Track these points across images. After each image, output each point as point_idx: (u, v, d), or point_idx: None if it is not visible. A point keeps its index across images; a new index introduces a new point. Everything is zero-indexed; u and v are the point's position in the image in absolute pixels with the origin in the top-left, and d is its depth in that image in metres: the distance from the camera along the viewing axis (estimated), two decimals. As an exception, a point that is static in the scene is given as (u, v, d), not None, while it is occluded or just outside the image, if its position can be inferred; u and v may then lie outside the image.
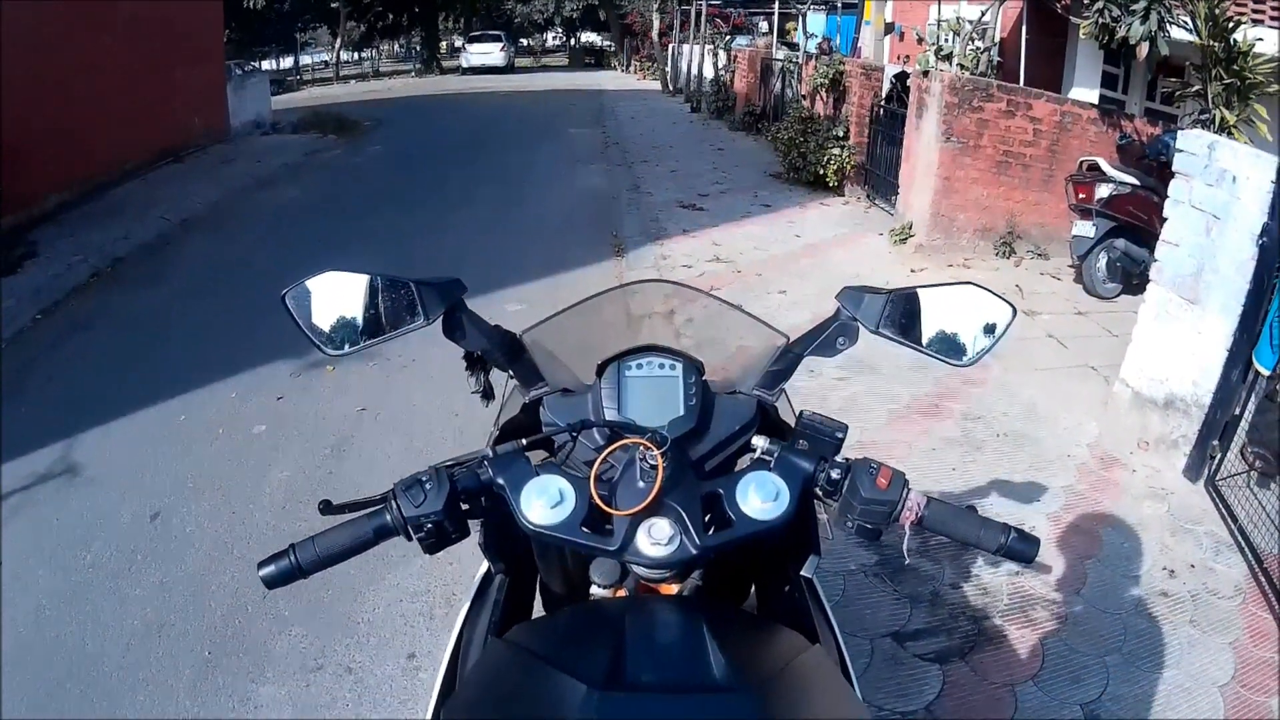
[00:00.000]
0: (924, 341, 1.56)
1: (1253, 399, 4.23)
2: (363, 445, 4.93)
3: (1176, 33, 7.38)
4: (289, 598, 3.57)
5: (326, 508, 1.32)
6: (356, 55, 58.92)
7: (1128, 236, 7.25)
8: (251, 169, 14.30)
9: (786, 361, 1.63)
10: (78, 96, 11.62)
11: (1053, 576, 3.66)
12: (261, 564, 1.31)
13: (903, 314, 1.56)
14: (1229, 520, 4.11)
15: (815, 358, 1.63)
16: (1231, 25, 6.80)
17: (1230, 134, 6.57)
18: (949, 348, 1.56)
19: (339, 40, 47.27)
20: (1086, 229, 7.33)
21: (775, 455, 1.39)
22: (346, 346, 1.53)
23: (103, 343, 6.87)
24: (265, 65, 43.66)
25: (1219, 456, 4.34)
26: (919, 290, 1.56)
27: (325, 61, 52.60)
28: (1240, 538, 3.97)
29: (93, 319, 7.43)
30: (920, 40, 9.63)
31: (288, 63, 50.45)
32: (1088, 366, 5.97)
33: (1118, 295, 7.42)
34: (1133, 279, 7.20)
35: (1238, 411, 4.28)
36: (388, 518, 1.30)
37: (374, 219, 10.48)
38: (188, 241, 9.94)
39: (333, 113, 21.05)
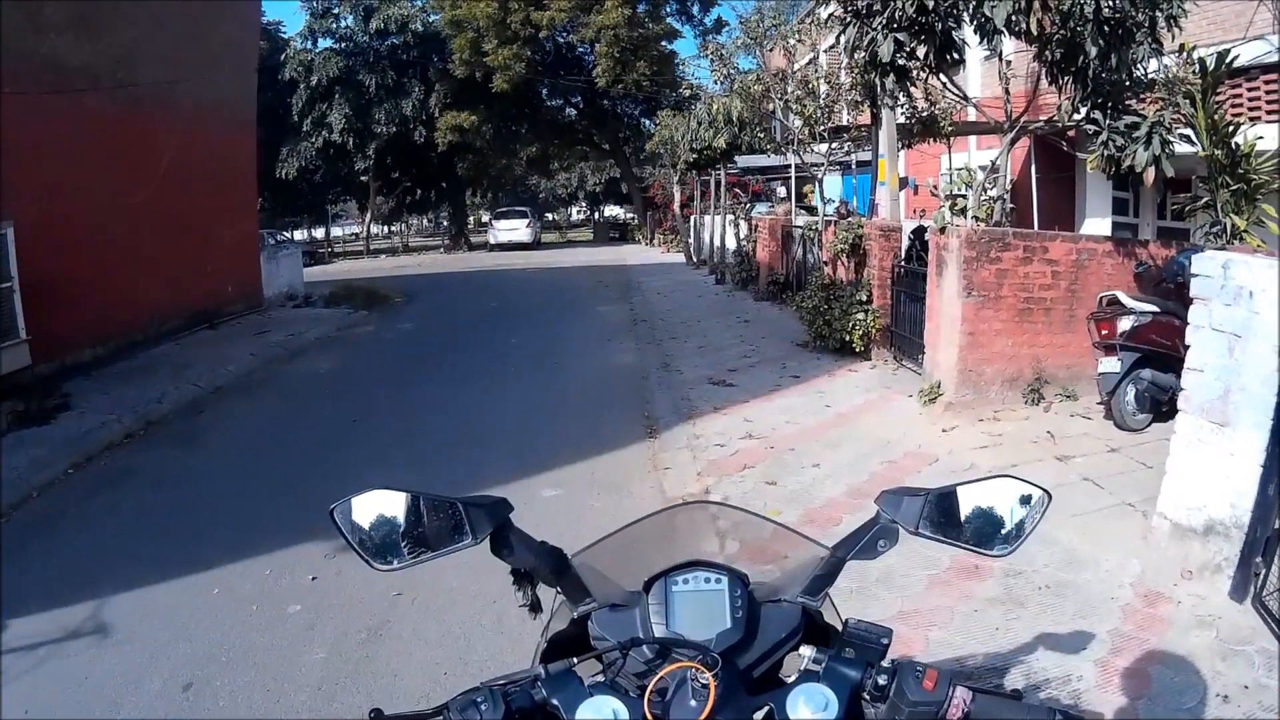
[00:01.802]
0: (962, 537, 1.59)
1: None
2: (400, 630, 4.85)
3: (1180, 147, 7.51)
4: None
5: (379, 716, 1.32)
6: (386, 228, 60.44)
7: (1154, 365, 7.26)
8: (285, 340, 14.62)
9: (829, 566, 1.65)
10: (115, 246, 12.06)
11: (1105, 725, 3.57)
12: None
13: (940, 512, 1.59)
14: (1279, 633, 4.02)
15: (858, 560, 1.64)
16: (1231, 130, 6.92)
17: (1241, 239, 6.64)
18: (986, 539, 1.59)
19: (369, 214, 48.55)
20: (1112, 364, 7.36)
21: (823, 665, 1.41)
22: (395, 561, 1.55)
23: (135, 503, 6.94)
24: (297, 235, 44.92)
25: (1263, 573, 4.26)
26: (957, 488, 1.60)
27: (355, 234, 54.00)
28: (1292, 651, 3.87)
29: (126, 478, 7.53)
30: (934, 193, 9.81)
31: (318, 234, 51.81)
32: (1125, 504, 5.90)
33: (1148, 426, 7.40)
34: (1162, 407, 7.19)
35: (1278, 525, 4.22)
36: None
37: (406, 395, 10.60)
38: (221, 409, 10.09)
39: (364, 287, 21.49)
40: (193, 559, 5.68)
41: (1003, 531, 1.59)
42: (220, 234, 16.18)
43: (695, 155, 22.11)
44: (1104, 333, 7.48)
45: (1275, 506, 4.24)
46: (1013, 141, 9.16)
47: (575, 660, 1.42)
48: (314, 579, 5.48)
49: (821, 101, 15.50)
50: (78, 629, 4.80)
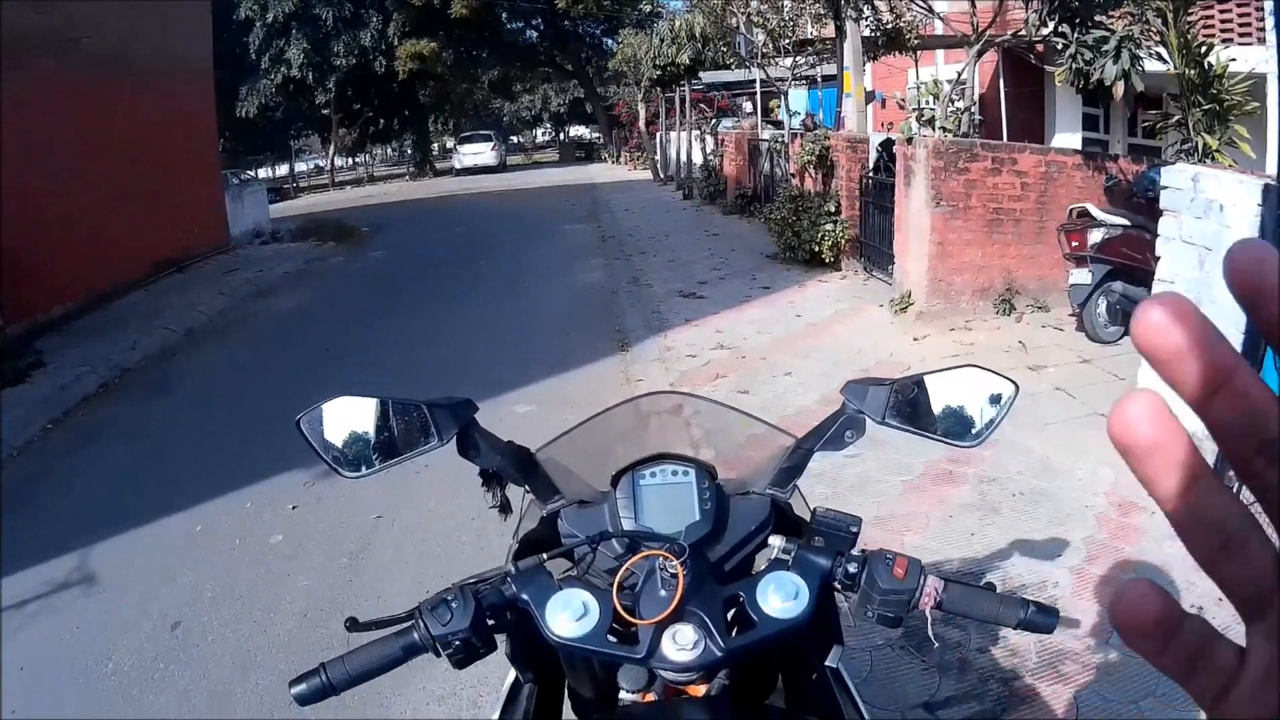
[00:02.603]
0: (930, 427, 1.59)
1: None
2: (381, 553, 4.91)
3: (1151, 64, 7.48)
4: (315, 706, 3.54)
5: (353, 625, 1.34)
6: (350, 161, 59.74)
7: (1124, 278, 7.30)
8: (253, 278, 14.48)
9: (796, 458, 1.65)
10: (78, 207, 11.88)
11: (1081, 629, 3.63)
12: (293, 682, 1.32)
13: (907, 402, 1.59)
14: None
15: (825, 452, 1.65)
16: (1204, 50, 6.90)
17: (1213, 159, 6.64)
18: (955, 430, 1.59)
19: (332, 147, 47.94)
20: (1083, 276, 7.38)
21: (793, 554, 1.41)
22: (363, 469, 1.55)
23: (114, 452, 6.92)
24: (260, 173, 44.35)
25: (1235, 487, 4.31)
26: (923, 377, 1.59)
27: (320, 168, 53.40)
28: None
29: (104, 429, 7.50)
30: (901, 105, 9.77)
31: (283, 170, 51.20)
32: (1097, 414, 5.96)
33: (1120, 338, 7.45)
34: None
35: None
36: (415, 636, 1.32)
37: (377, 324, 10.57)
38: (194, 352, 10.05)
39: (330, 220, 21.30)
40: (174, 501, 5.69)
41: (971, 421, 1.59)
42: (182, 179, 15.91)
43: (659, 72, 21.95)
44: (1074, 244, 7.49)
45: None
46: (979, 54, 9.12)
47: (545, 556, 1.44)
48: (294, 508, 5.52)
49: (785, 15, 15.34)
50: (65, 581, 4.81)
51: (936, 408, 1.58)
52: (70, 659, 4.08)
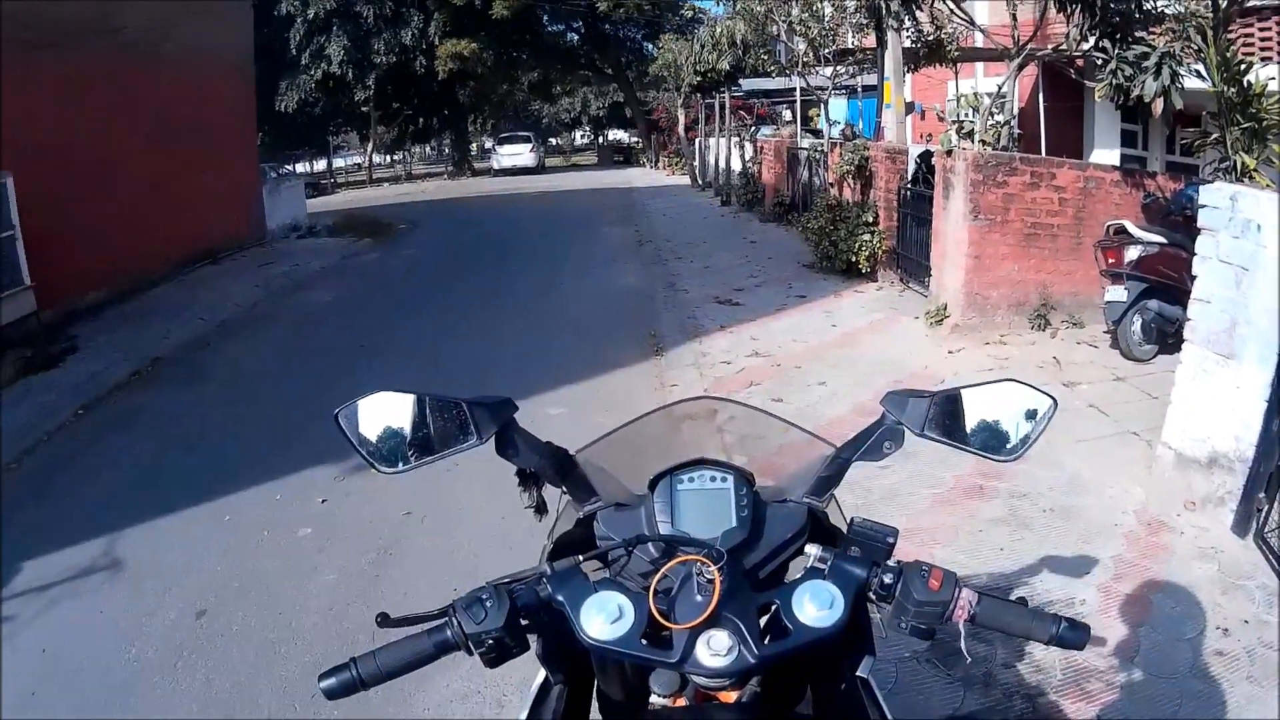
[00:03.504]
0: (967, 440, 1.58)
1: (1295, 448, 4.19)
2: (409, 549, 4.91)
3: (1190, 82, 7.43)
4: (338, 701, 3.55)
5: (385, 620, 1.34)
6: (389, 158, 60.03)
7: (1160, 296, 7.24)
8: (289, 271, 14.61)
9: (834, 468, 1.65)
10: (116, 194, 12.05)
11: (1106, 648, 3.60)
12: (323, 676, 1.32)
13: (946, 414, 1.58)
14: (1280, 571, 4.05)
15: (863, 462, 1.64)
16: (1244, 68, 6.84)
17: (1251, 178, 6.58)
18: (992, 443, 1.58)
19: (370, 144, 48.19)
20: (1119, 294, 7.33)
21: (829, 563, 1.41)
22: (400, 464, 1.55)
23: (144, 440, 6.97)
24: (299, 168, 44.60)
25: (1266, 509, 4.27)
26: (961, 390, 1.59)
27: (358, 164, 53.61)
28: (1292, 587, 3.90)
29: (134, 416, 7.56)
30: (941, 118, 9.72)
31: (321, 166, 51.48)
32: (1129, 432, 5.92)
33: (1154, 356, 7.39)
34: (1168, 338, 7.17)
35: (1281, 461, 4.24)
36: (449, 634, 1.32)
37: (411, 321, 10.60)
38: (227, 343, 10.11)
39: (367, 216, 21.44)
40: (203, 490, 5.73)
41: (1008, 436, 1.58)
42: (220, 170, 16.07)
43: (699, 78, 21.99)
44: (1111, 261, 7.45)
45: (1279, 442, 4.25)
46: (1020, 68, 9.07)
47: (580, 558, 1.43)
48: (323, 501, 5.55)
49: (826, 24, 15.31)
50: (91, 566, 4.85)
51: (974, 421, 1.58)
52: (93, 644, 4.11)
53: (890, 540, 1.52)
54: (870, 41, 13.85)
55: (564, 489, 1.68)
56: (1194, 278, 4.69)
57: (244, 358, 9.44)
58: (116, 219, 12.04)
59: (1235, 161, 6.80)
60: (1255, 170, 6.72)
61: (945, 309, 8.60)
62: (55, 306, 10.01)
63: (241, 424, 7.19)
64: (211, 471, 6.10)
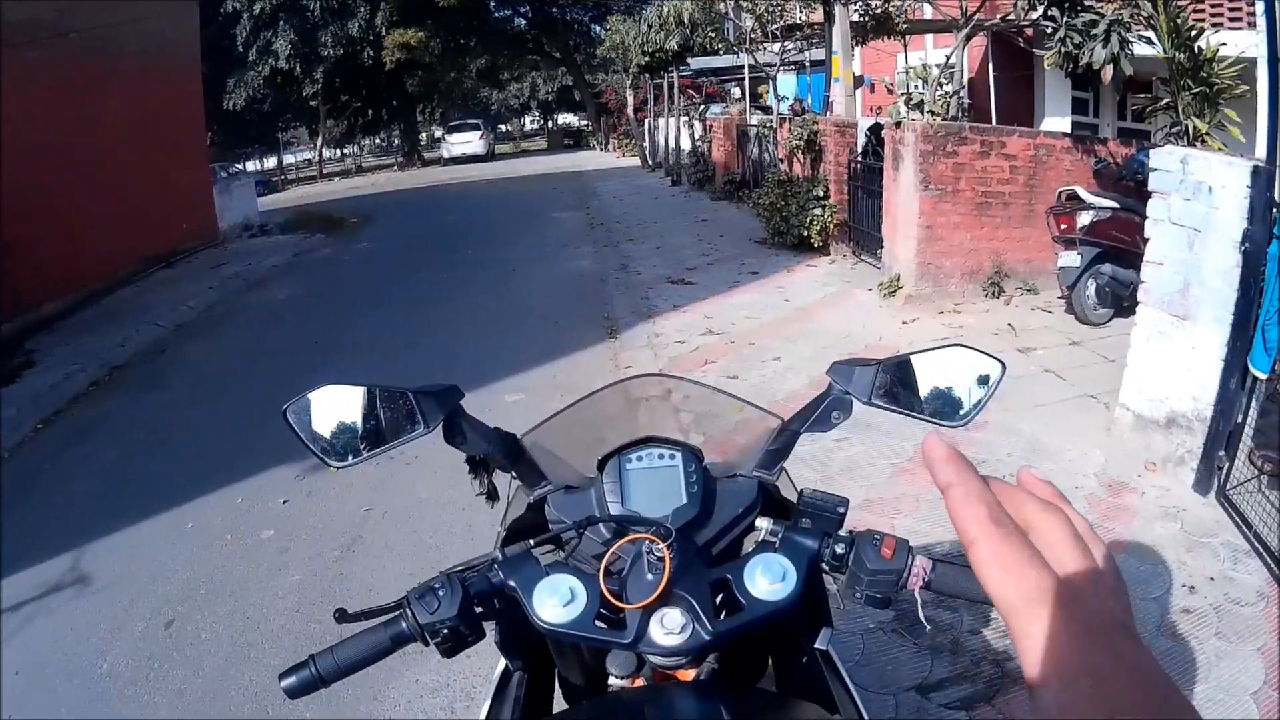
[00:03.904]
0: (917, 407, 1.56)
1: (1254, 405, 4.25)
2: (371, 545, 4.91)
3: (1140, 48, 7.49)
4: (309, 700, 3.51)
5: (342, 616, 1.33)
6: (339, 152, 59.55)
7: (1113, 260, 7.33)
8: (242, 271, 14.45)
9: (783, 440, 1.65)
10: (66, 202, 11.90)
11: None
12: (283, 675, 1.30)
13: (894, 382, 1.56)
14: (1243, 527, 4.11)
15: (812, 434, 1.64)
16: (1194, 34, 6.90)
17: (1203, 142, 6.65)
18: (943, 409, 1.56)
19: (320, 138, 47.77)
20: (1072, 259, 7.41)
21: (780, 536, 1.40)
22: (350, 457, 1.53)
23: (106, 451, 6.90)
24: (249, 166, 44.21)
25: (1226, 466, 4.34)
26: (909, 357, 1.57)
27: (309, 160, 53.15)
28: (1257, 543, 3.97)
29: (94, 427, 7.47)
30: (890, 90, 9.74)
31: (271, 163, 51.02)
32: (1087, 395, 5.99)
33: (1109, 320, 7.49)
34: (1123, 302, 7.27)
35: (1240, 419, 4.30)
36: (404, 625, 1.31)
37: (367, 315, 10.55)
38: (184, 347, 10.02)
39: (319, 211, 21.29)
40: (166, 498, 5.69)
41: (958, 401, 1.56)
42: (171, 174, 15.89)
43: (647, 59, 21.87)
44: (1063, 227, 7.52)
45: (1238, 400, 4.30)
46: (968, 38, 9.12)
47: (532, 542, 1.42)
48: (285, 502, 5.53)
49: (773, 0, 15.31)
50: (58, 582, 4.81)
51: (924, 388, 1.56)
52: (65, 661, 4.07)
53: (840, 510, 1.50)
54: (818, 16, 13.87)
55: (514, 474, 1.67)
56: (1146, 241, 4.74)
57: (202, 361, 9.36)
58: (68, 229, 11.90)
59: (1187, 126, 6.86)
60: (1207, 135, 6.78)
61: (898, 280, 8.65)
62: (11, 320, 9.88)
63: (202, 428, 7.14)
64: (173, 478, 6.05)
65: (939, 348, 1.58)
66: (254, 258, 15.79)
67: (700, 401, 2.14)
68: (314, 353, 8.96)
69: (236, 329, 10.77)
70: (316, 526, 5.17)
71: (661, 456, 1.58)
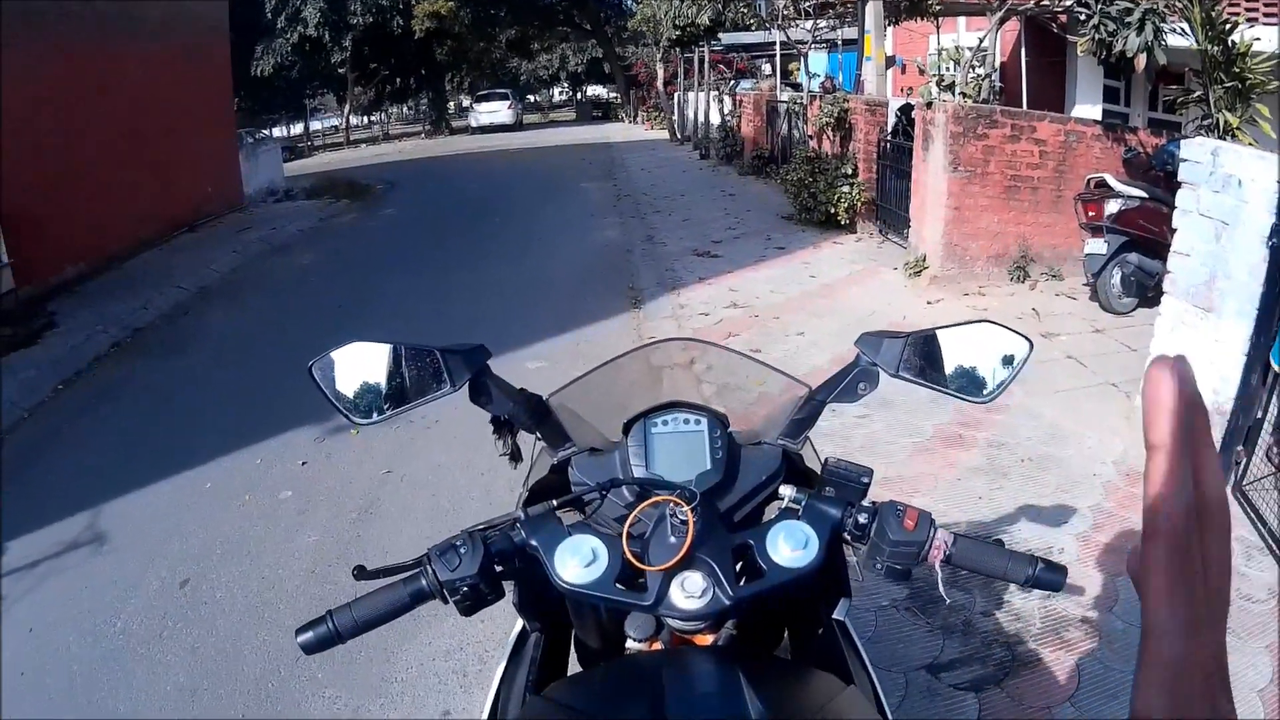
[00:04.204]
0: (943, 382, 1.56)
1: (1274, 401, 4.20)
2: (389, 508, 4.93)
3: (1174, 40, 7.43)
4: (322, 660, 3.56)
5: (360, 573, 1.33)
6: (366, 119, 59.58)
7: (1140, 250, 7.26)
8: (267, 236, 14.49)
9: (809, 410, 1.64)
10: (91, 165, 11.89)
11: (1085, 597, 3.62)
12: (299, 630, 1.30)
13: (921, 356, 1.55)
14: (1258, 524, 4.07)
15: (838, 404, 1.63)
16: (1228, 27, 6.83)
17: (1234, 136, 6.60)
18: (968, 385, 1.56)
19: (348, 105, 47.82)
20: (1098, 246, 7.35)
21: (803, 504, 1.41)
22: (374, 415, 1.53)
23: (126, 412, 6.95)
24: (276, 132, 44.30)
25: (1244, 461, 4.29)
26: (936, 331, 1.56)
27: (335, 127, 53.20)
28: (1270, 540, 3.93)
29: (115, 389, 7.52)
30: (922, 71, 9.67)
31: (298, 129, 51.10)
32: (1108, 384, 5.95)
33: (1134, 309, 7.43)
34: (1147, 292, 7.21)
35: (1260, 415, 4.25)
36: (423, 582, 1.31)
37: (390, 281, 10.56)
38: (206, 310, 10.06)
39: (345, 178, 21.30)
40: (185, 459, 5.72)
41: (984, 377, 1.56)
42: (197, 139, 15.91)
43: (678, 33, 21.72)
44: (1091, 214, 7.45)
45: (1259, 395, 4.26)
46: (1001, 21, 9.04)
47: (554, 502, 1.43)
48: (304, 464, 5.55)
49: (807, -25, 15.22)
50: (75, 540, 4.84)
51: (950, 363, 1.55)
52: (80, 618, 4.10)
53: (865, 480, 1.51)
54: (851, -7, 13.78)
55: (538, 435, 1.66)
56: (1174, 231, 4.70)
57: (224, 324, 9.40)
58: (94, 191, 11.91)
59: (1218, 120, 6.81)
60: (1238, 129, 6.73)
61: (924, 260, 8.60)
62: (34, 283, 9.94)
63: (222, 391, 7.17)
64: (193, 440, 6.07)
65: (967, 323, 1.57)
66: (278, 223, 15.82)
67: (723, 373, 2.13)
68: (337, 317, 8.99)
69: (259, 293, 10.80)
70: (335, 489, 5.19)
71: (687, 421, 1.57)
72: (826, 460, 1.56)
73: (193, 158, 15.63)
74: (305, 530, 4.74)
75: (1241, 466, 4.32)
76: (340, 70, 43.61)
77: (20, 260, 9.38)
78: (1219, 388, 4.41)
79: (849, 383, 1.59)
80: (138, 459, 5.86)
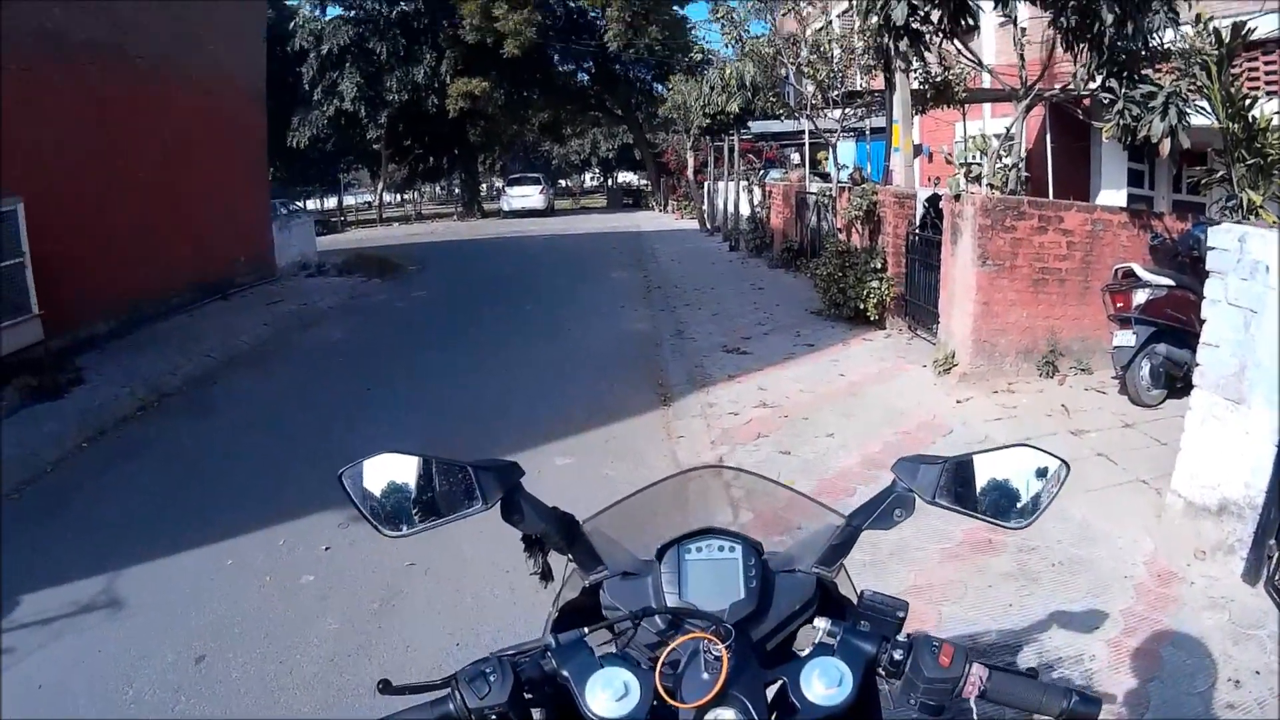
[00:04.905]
0: (978, 507, 1.57)
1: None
2: (412, 600, 4.86)
3: (1196, 119, 7.45)
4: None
5: (386, 688, 1.31)
6: (399, 197, 60.43)
7: (1168, 340, 7.23)
8: (297, 309, 14.66)
9: (844, 536, 1.63)
10: (127, 223, 12.12)
11: (1117, 703, 3.55)
12: None
13: (958, 481, 1.57)
14: (1290, 619, 4.00)
15: (873, 530, 1.63)
16: (1248, 103, 6.86)
17: (1257, 214, 6.58)
18: (1004, 511, 1.57)
19: (381, 182, 48.53)
20: (1127, 338, 7.33)
21: (838, 638, 1.40)
22: (404, 527, 1.53)
23: (150, 475, 6.98)
24: (309, 204, 45.03)
25: (1276, 555, 4.23)
26: (974, 457, 1.58)
27: (368, 203, 54.02)
28: (1303, 636, 3.85)
29: (139, 450, 7.58)
30: (949, 160, 9.74)
31: (331, 203, 51.87)
32: (1139, 480, 5.89)
33: (1163, 401, 7.38)
34: (1177, 382, 7.17)
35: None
36: (451, 707, 1.29)
37: (419, 362, 10.60)
38: (234, 380, 10.14)
39: (377, 255, 21.50)
40: (207, 531, 5.71)
41: (1020, 503, 1.57)
42: (231, 204, 16.19)
43: (708, 120, 21.99)
44: (1119, 305, 7.44)
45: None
46: (1028, 109, 9.09)
47: (586, 630, 1.41)
48: (327, 549, 5.50)
49: (834, 66, 15.42)
50: (91, 602, 4.83)
51: (986, 487, 1.57)
52: (91, 682, 4.08)
53: (901, 615, 1.50)
54: (878, 83, 13.93)
55: (570, 556, 1.66)
56: (1203, 321, 4.68)
57: (252, 395, 9.47)
58: (128, 248, 12.13)
59: (1242, 199, 6.81)
60: (1261, 207, 6.73)
61: (953, 356, 8.57)
62: (63, 335, 10.03)
63: (248, 464, 7.18)
64: (216, 511, 6.08)
65: (1004, 447, 1.59)
66: (310, 297, 16.01)
67: (761, 495, 2.12)
68: (365, 396, 9.03)
69: (289, 367, 10.89)
70: (357, 576, 5.14)
71: (721, 549, 1.56)
72: (862, 593, 1.56)
73: (227, 223, 15.90)
74: (325, 617, 4.69)
75: (1274, 560, 4.25)
76: (375, 146, 44.39)
77: (50, 311, 9.46)
78: (1250, 480, 4.36)
79: (885, 509, 1.61)
80: (160, 524, 5.88)
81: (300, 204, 42.01)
